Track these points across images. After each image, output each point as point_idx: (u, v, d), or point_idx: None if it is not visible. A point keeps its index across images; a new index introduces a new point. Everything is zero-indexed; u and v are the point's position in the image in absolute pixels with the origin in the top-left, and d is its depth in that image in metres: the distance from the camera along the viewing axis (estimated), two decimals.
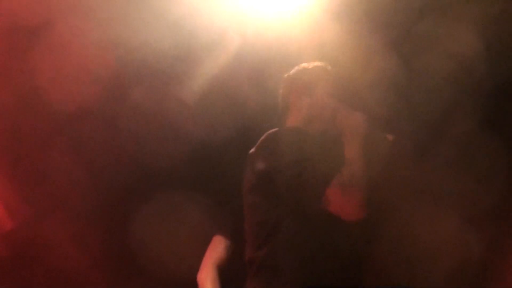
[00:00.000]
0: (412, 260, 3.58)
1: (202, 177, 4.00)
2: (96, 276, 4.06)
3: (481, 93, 3.50)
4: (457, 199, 3.55)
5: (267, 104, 3.67)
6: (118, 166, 3.98)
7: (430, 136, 3.61)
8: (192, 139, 3.89)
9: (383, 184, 3.32)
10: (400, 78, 3.46)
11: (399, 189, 3.48)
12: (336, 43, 3.38)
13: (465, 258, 3.57)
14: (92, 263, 4.06)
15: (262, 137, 2.80)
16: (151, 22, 3.58)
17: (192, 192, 3.87)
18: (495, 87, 3.52)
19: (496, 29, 3.41)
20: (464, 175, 3.55)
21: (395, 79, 3.45)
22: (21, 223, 4.03)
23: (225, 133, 3.83)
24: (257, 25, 3.58)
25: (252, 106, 3.72)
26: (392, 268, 3.54)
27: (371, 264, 3.54)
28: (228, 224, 3.42)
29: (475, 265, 3.60)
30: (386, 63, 3.47)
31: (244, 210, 2.83)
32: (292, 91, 2.93)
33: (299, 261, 2.60)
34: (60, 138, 3.93)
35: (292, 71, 2.99)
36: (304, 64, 3.00)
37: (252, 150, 2.84)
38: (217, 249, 3.40)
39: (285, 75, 3.00)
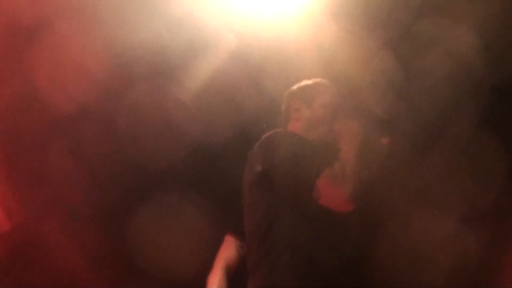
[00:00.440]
0: (411, 260, 3.57)
1: (200, 178, 4.00)
2: (95, 277, 4.05)
3: (479, 93, 3.49)
4: (456, 199, 3.55)
5: (265, 104, 3.68)
6: (116, 167, 3.98)
7: (429, 136, 3.61)
8: (191, 139, 3.88)
9: (382, 184, 3.31)
10: (398, 78, 3.46)
11: (398, 189, 3.47)
12: (334, 43, 3.38)
13: (464, 258, 3.56)
14: (91, 264, 4.05)
15: (261, 139, 2.88)
16: (149, 22, 3.58)
17: (191, 192, 3.86)
18: (493, 87, 3.52)
19: (495, 29, 3.40)
20: (463, 175, 3.55)
21: (393, 79, 3.45)
22: (19, 224, 4.02)
23: (223, 133, 3.83)
24: (255, 25, 3.58)
25: (250, 106, 3.72)
26: (391, 268, 3.53)
27: (371, 265, 3.54)
28: (239, 224, 3.42)
29: (474, 265, 3.60)
30: (384, 63, 3.47)
31: (244, 210, 2.91)
32: (292, 104, 3.04)
33: (296, 257, 2.66)
34: (58, 138, 3.93)
35: (293, 87, 3.10)
36: (305, 81, 3.10)
37: (251, 151, 2.91)
38: (228, 250, 3.39)
39: (287, 92, 3.10)
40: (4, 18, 3.62)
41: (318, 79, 3.09)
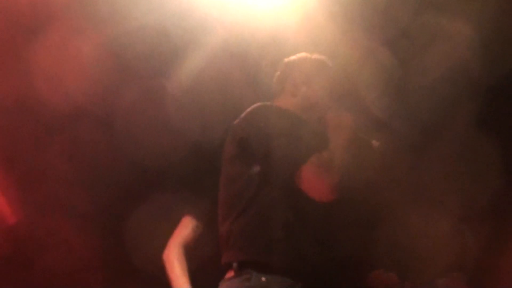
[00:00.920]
0: (408, 260, 3.57)
1: (197, 176, 3.99)
2: (93, 276, 4.06)
3: (477, 92, 3.49)
4: (454, 198, 3.55)
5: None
6: (115, 166, 3.98)
7: (427, 135, 3.61)
8: (188, 138, 3.88)
9: (379, 183, 3.31)
10: (396, 77, 3.46)
11: (395, 188, 3.47)
12: (332, 42, 3.38)
13: (462, 258, 3.56)
14: (89, 263, 4.06)
15: (247, 110, 2.80)
16: (147, 21, 3.58)
17: (188, 191, 3.86)
18: (492, 86, 3.52)
19: (493, 28, 3.40)
20: (461, 174, 3.55)
21: (391, 78, 3.45)
22: (18, 223, 4.04)
23: (220, 131, 3.82)
24: (253, 23, 3.57)
25: (248, 105, 3.71)
26: (388, 268, 3.53)
27: (368, 265, 3.54)
28: (198, 205, 3.41)
29: (472, 265, 3.60)
30: (382, 63, 3.46)
31: (221, 181, 2.82)
32: (290, 77, 2.95)
33: (275, 235, 2.59)
34: (56, 137, 3.94)
35: (294, 57, 3.00)
36: (306, 54, 3.01)
37: (236, 121, 2.83)
38: (185, 229, 3.40)
39: (286, 59, 3.01)
40: (2, 17, 3.63)
41: (321, 57, 3.00)
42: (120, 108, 3.83)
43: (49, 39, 3.63)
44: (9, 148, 3.98)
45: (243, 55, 3.67)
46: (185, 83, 3.73)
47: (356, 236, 3.03)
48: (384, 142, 2.94)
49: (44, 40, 3.64)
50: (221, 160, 2.88)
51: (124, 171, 3.98)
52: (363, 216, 3.63)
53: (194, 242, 3.37)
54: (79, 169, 3.99)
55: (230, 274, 2.65)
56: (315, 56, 2.99)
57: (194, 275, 3.29)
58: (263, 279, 2.56)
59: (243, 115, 2.79)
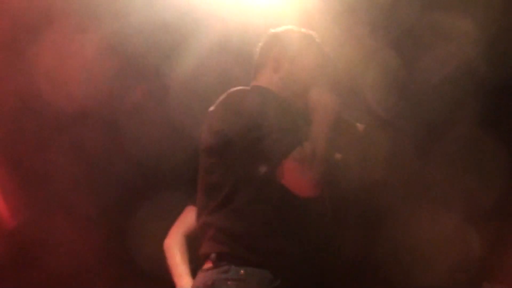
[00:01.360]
0: (413, 260, 3.57)
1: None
2: (97, 276, 4.05)
3: (482, 92, 3.49)
4: (458, 198, 3.54)
5: None
6: (119, 166, 3.98)
7: (431, 135, 3.60)
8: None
9: (383, 183, 3.31)
10: (401, 77, 3.45)
11: (399, 188, 3.47)
12: (335, 41, 3.36)
13: (465, 258, 3.56)
14: (93, 263, 4.05)
15: (224, 95, 2.66)
16: (152, 21, 3.57)
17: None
18: (497, 86, 3.51)
19: (498, 28, 3.40)
20: (465, 174, 3.54)
21: (396, 78, 3.44)
22: (22, 224, 4.03)
23: None
24: (257, 25, 3.56)
25: None
26: (392, 267, 3.53)
27: (372, 264, 3.54)
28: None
29: (476, 265, 3.60)
30: (386, 62, 3.46)
31: (199, 170, 2.71)
32: (273, 50, 2.77)
33: (255, 228, 2.49)
34: (60, 137, 3.93)
35: (279, 29, 2.83)
36: (293, 27, 2.83)
37: (212, 107, 2.69)
38: (187, 218, 3.35)
39: (271, 31, 2.83)
40: (6, 17, 3.63)
41: (309, 32, 2.80)
42: (123, 107, 3.83)
43: (52, 38, 3.63)
44: (12, 148, 3.98)
45: (247, 54, 3.66)
46: (188, 81, 3.72)
47: (353, 233, 2.99)
48: (369, 126, 2.80)
49: (47, 39, 3.64)
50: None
51: (127, 171, 3.97)
52: (365, 215, 3.63)
53: (195, 232, 3.34)
54: (82, 169, 3.99)
55: (208, 265, 2.56)
56: (303, 30, 2.81)
57: (195, 264, 3.26)
58: (242, 271, 2.47)
59: (219, 101, 2.64)
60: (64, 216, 4.01)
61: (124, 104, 3.82)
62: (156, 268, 3.81)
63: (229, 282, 2.46)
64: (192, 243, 3.25)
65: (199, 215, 2.66)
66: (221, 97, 2.64)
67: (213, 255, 2.53)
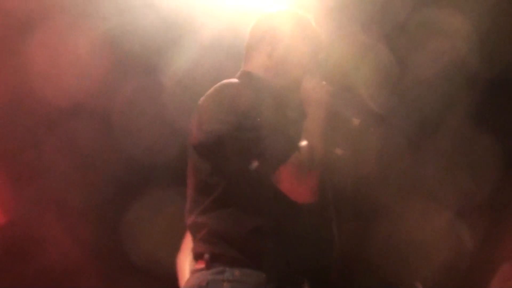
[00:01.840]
0: (405, 256, 3.58)
1: None
2: (90, 272, 4.05)
3: (474, 88, 3.49)
4: (451, 193, 3.55)
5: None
6: (112, 162, 3.98)
7: (424, 130, 3.61)
8: (185, 134, 3.87)
9: (377, 178, 3.32)
10: (393, 73, 3.46)
11: (393, 183, 3.47)
12: (329, 37, 3.36)
13: (459, 253, 3.57)
14: (86, 259, 4.05)
15: (216, 86, 2.47)
16: (144, 17, 3.57)
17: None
18: (489, 82, 3.52)
19: (490, 24, 3.40)
20: (458, 169, 3.55)
21: (388, 73, 3.44)
22: (14, 219, 4.03)
23: None
24: (247, 16, 3.56)
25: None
26: (385, 264, 3.54)
27: (365, 261, 3.55)
28: None
29: (468, 260, 3.61)
30: (379, 58, 3.46)
31: (188, 166, 2.56)
32: (267, 34, 2.60)
33: (248, 231, 2.40)
34: (52, 133, 3.92)
35: (274, 10, 2.68)
36: (288, 8, 2.69)
37: (203, 99, 2.50)
38: None
39: (265, 11, 2.68)
40: None
41: (305, 15, 2.65)
42: (116, 104, 3.82)
43: (45, 35, 3.63)
44: (5, 144, 3.97)
45: (239, 50, 3.66)
46: (181, 78, 3.72)
47: (350, 231, 2.98)
48: (364, 121, 2.71)
49: (40, 36, 3.63)
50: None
51: (120, 168, 3.97)
52: (357, 210, 3.64)
53: None
54: (75, 166, 3.98)
55: (201, 265, 2.47)
56: (298, 11, 2.65)
57: None
58: (237, 272, 2.39)
59: (210, 94, 2.47)
60: (56, 212, 4.01)
61: (117, 101, 3.81)
62: (148, 264, 3.81)
63: (225, 284, 2.39)
64: None
65: (189, 212, 2.54)
66: (212, 90, 2.48)
67: (206, 256, 2.44)
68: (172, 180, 3.92)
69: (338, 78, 2.95)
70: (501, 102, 3.60)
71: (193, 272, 2.53)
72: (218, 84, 2.48)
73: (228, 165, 2.39)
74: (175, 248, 3.72)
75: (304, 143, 2.39)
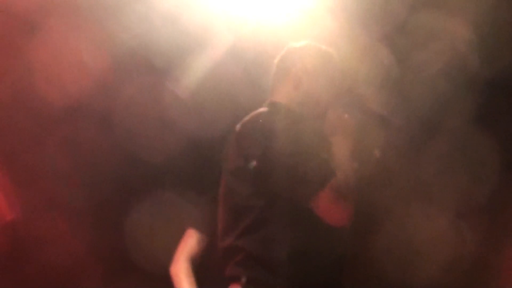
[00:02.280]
0: (406, 258, 3.57)
1: (195, 173, 4.00)
2: (91, 272, 4.05)
3: (475, 88, 3.49)
4: (451, 194, 3.55)
5: (261, 100, 3.67)
6: (112, 162, 3.97)
7: (424, 131, 3.60)
8: (187, 135, 3.88)
9: (377, 180, 3.31)
10: (394, 73, 3.45)
11: (393, 185, 3.47)
12: (329, 38, 3.37)
13: (459, 255, 3.56)
14: (87, 259, 4.05)
15: (252, 115, 2.65)
16: (146, 17, 3.57)
17: (186, 188, 3.86)
18: (489, 82, 3.51)
19: (491, 23, 3.40)
20: (458, 170, 3.54)
21: (389, 74, 3.44)
22: (15, 220, 4.03)
23: (219, 129, 3.82)
24: (251, 20, 3.57)
25: (246, 102, 3.71)
26: (386, 265, 3.53)
27: (365, 262, 3.54)
28: (201, 217, 3.42)
29: (470, 262, 3.60)
30: (380, 58, 3.45)
31: (222, 191, 2.71)
32: (293, 66, 2.77)
33: (283, 255, 2.52)
34: (54, 134, 3.93)
35: (299, 44, 2.85)
36: (312, 42, 2.87)
37: (239, 127, 2.66)
38: (189, 242, 3.41)
39: (290, 44, 2.85)
40: (0, 14, 3.63)
41: (328, 49, 2.82)
42: (119, 105, 3.82)
43: (47, 35, 3.63)
44: (7, 144, 3.97)
45: (242, 53, 3.67)
46: (184, 80, 3.73)
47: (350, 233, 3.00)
48: (385, 150, 2.79)
49: (42, 36, 3.64)
50: (220, 162, 2.76)
51: (121, 167, 3.97)
52: (357, 212, 3.63)
53: (200, 255, 3.40)
54: (77, 166, 3.99)
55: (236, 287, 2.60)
56: (322, 46, 2.84)
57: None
58: None
59: (247, 121, 2.63)
60: (57, 212, 4.01)
61: (118, 100, 3.81)
62: (149, 264, 3.82)
63: None
64: (196, 266, 3.36)
65: (224, 235, 2.65)
66: (249, 118, 2.62)
67: (243, 279, 2.55)
68: (173, 181, 3.93)
69: (344, 79, 2.97)
70: (502, 103, 3.59)
71: None
72: (254, 112, 2.64)
73: (268, 189, 2.49)
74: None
75: (335, 168, 2.49)
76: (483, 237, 3.61)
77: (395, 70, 3.47)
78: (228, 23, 3.60)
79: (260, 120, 2.60)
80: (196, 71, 3.70)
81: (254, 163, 2.52)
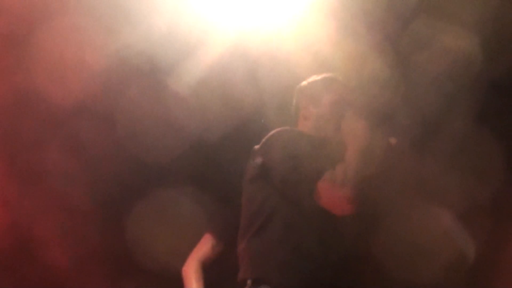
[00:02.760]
0: (409, 257, 3.57)
1: (199, 173, 4.01)
2: (94, 272, 4.06)
3: (477, 89, 3.49)
4: (454, 195, 3.55)
5: (263, 99, 3.68)
6: (115, 162, 3.98)
7: (427, 132, 3.61)
8: (189, 135, 3.89)
9: (380, 180, 3.31)
10: (396, 74, 3.45)
11: (396, 185, 3.46)
12: (331, 40, 3.38)
13: (462, 255, 3.57)
14: (90, 259, 4.06)
15: (268, 135, 2.88)
16: (148, 17, 3.57)
17: (189, 188, 3.87)
18: (491, 83, 3.51)
19: (492, 25, 3.40)
20: (461, 171, 3.55)
21: (391, 75, 3.44)
22: (18, 220, 4.03)
23: (222, 128, 3.83)
24: (254, 20, 3.57)
25: (248, 102, 3.72)
26: (389, 265, 3.53)
27: (368, 261, 3.54)
28: (218, 223, 3.53)
29: (472, 262, 3.61)
30: (382, 60, 3.46)
31: (242, 201, 2.89)
32: (300, 102, 3.03)
33: (293, 253, 2.66)
34: (56, 134, 3.93)
35: (303, 82, 3.07)
36: (314, 76, 3.07)
37: (256, 146, 2.91)
38: (204, 246, 3.54)
39: (296, 88, 3.08)
40: (2, 13, 3.62)
41: (327, 74, 3.05)
42: (122, 105, 3.83)
43: (50, 35, 3.63)
44: (10, 144, 3.98)
45: (245, 53, 3.67)
46: (186, 80, 3.73)
47: (352, 232, 3.03)
48: (400, 139, 2.95)
49: (45, 36, 3.63)
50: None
51: (124, 167, 3.98)
52: (360, 210, 3.64)
53: (212, 260, 3.54)
54: (80, 165, 3.99)
55: None
56: (322, 75, 3.05)
57: None
58: None
59: (264, 140, 2.87)
60: (60, 212, 4.02)
61: (121, 101, 3.82)
62: (152, 264, 3.82)
63: None
64: (208, 269, 3.51)
65: (239, 243, 2.83)
66: (266, 137, 2.86)
67: (249, 281, 2.69)
68: (176, 181, 3.94)
69: (350, 91, 3.00)
70: (505, 103, 3.60)
71: None
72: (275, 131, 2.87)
73: (274, 192, 2.73)
74: (180, 249, 3.75)
75: (339, 163, 2.67)
76: (486, 236, 3.62)
77: (397, 72, 3.47)
78: (231, 23, 3.60)
79: (269, 137, 2.85)
80: (199, 71, 3.70)
81: (260, 165, 2.78)
